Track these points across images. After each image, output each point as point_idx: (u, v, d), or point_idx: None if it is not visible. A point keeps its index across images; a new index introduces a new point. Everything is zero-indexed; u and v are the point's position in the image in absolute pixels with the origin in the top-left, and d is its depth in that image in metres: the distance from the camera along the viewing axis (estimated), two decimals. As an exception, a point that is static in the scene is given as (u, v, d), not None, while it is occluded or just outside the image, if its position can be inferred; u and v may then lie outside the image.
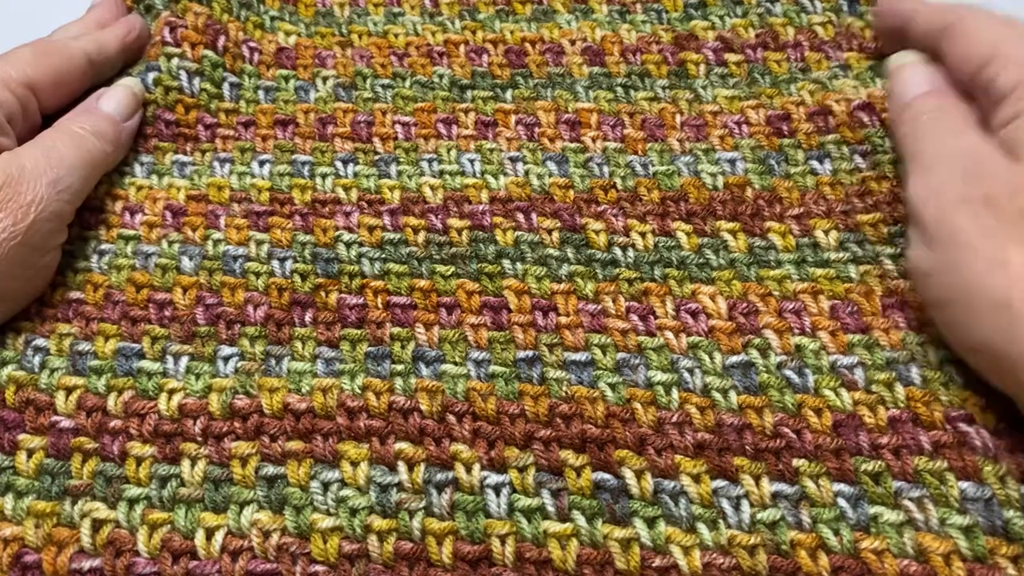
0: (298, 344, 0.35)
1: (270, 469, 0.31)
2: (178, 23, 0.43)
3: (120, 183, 0.40)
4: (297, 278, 0.37)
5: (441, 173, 0.40)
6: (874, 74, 0.41)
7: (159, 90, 0.42)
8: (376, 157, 0.41)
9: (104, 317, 0.35)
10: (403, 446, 0.32)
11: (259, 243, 0.38)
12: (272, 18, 0.47)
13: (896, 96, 0.35)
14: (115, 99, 0.39)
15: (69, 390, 0.33)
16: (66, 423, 0.32)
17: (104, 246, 0.38)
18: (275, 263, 0.37)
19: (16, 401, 0.33)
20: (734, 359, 0.33)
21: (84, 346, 0.34)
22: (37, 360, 0.34)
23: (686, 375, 0.33)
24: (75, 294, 0.36)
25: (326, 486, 0.31)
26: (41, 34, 0.41)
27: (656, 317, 0.35)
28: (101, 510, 0.30)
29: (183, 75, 0.42)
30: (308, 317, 0.36)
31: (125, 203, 0.39)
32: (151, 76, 0.41)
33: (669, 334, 0.34)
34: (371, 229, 0.38)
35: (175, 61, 0.42)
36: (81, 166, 0.36)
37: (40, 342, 0.34)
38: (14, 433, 0.32)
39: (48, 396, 0.33)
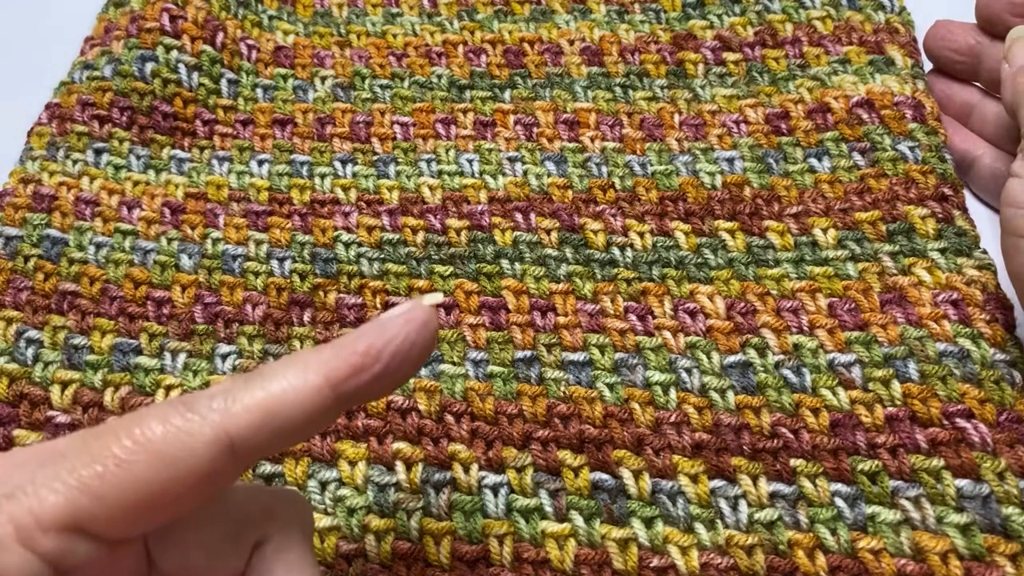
0: (296, 343, 0.35)
1: (267, 468, 0.31)
2: (177, 12, 0.43)
3: (116, 177, 0.40)
4: (296, 278, 0.37)
5: (440, 173, 0.40)
6: (874, 69, 0.41)
7: (157, 82, 0.41)
8: (375, 157, 0.41)
9: (101, 312, 0.35)
10: (401, 446, 0.32)
11: (258, 243, 0.38)
12: (270, 17, 0.47)
13: (1017, 60, 0.37)
14: None
15: (65, 384, 0.33)
16: (62, 418, 0.32)
17: (100, 238, 0.37)
18: (274, 263, 0.37)
19: (10, 395, 0.33)
20: (732, 359, 0.33)
21: (80, 340, 0.34)
22: (31, 352, 0.34)
23: (684, 375, 0.33)
24: (69, 285, 0.36)
25: (323, 485, 0.31)
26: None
27: (654, 317, 0.35)
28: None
29: (182, 68, 0.42)
30: (307, 317, 0.36)
31: (121, 197, 0.39)
32: (148, 67, 0.41)
33: (667, 334, 0.34)
34: (370, 229, 0.38)
35: (174, 53, 0.42)
36: None
37: (33, 334, 0.34)
38: (8, 428, 0.32)
39: (43, 390, 0.33)
